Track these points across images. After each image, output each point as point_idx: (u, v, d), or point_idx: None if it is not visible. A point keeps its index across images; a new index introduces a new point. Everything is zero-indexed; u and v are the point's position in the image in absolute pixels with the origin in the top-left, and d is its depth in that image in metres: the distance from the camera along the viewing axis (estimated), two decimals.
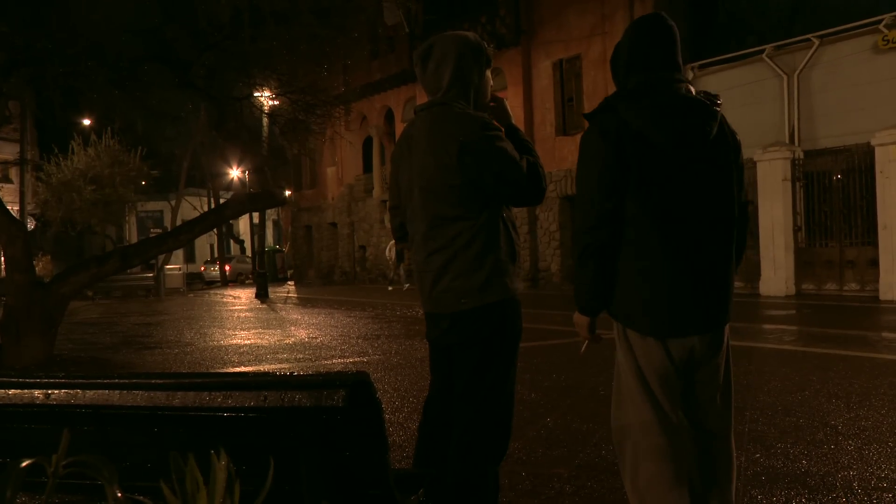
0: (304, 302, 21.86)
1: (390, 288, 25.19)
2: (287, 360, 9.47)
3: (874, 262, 15.60)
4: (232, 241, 52.28)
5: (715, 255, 2.64)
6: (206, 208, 40.87)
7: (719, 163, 2.64)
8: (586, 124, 2.73)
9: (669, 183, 2.57)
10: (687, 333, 2.64)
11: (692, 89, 2.66)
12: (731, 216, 2.67)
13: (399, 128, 28.18)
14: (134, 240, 40.75)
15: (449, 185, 2.79)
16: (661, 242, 2.58)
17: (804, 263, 16.99)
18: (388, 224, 26.76)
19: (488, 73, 3.00)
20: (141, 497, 1.48)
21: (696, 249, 2.60)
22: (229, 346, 11.26)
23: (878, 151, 15.22)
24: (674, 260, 2.59)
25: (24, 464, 1.21)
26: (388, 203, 3.18)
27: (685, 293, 2.60)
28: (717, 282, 2.65)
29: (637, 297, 2.62)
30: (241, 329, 13.94)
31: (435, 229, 2.85)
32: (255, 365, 9.19)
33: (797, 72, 17.45)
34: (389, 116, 30.23)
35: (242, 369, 8.89)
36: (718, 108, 2.64)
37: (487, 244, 2.80)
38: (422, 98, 3.09)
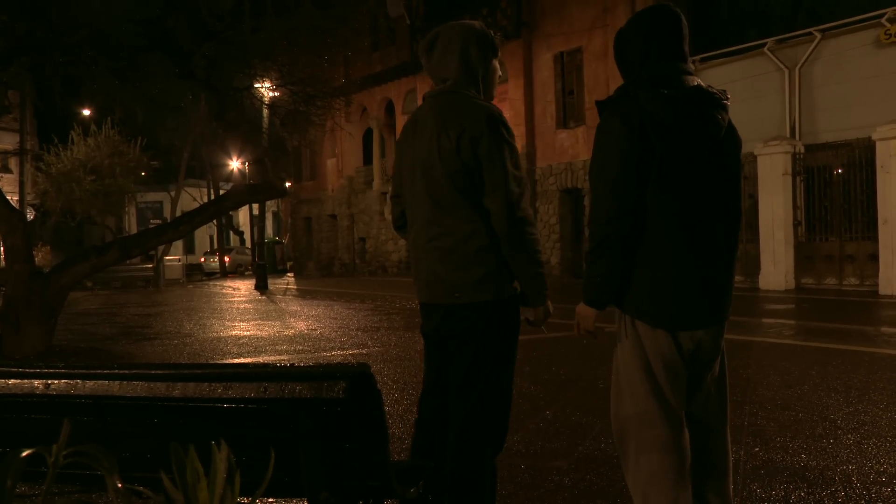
0: (303, 293, 21.87)
1: None
2: (286, 352, 9.47)
3: (874, 257, 15.59)
4: (231, 233, 52.22)
5: (724, 248, 2.65)
6: (205, 199, 40.83)
7: (729, 156, 2.66)
8: (593, 115, 2.70)
9: (687, 175, 2.56)
10: (697, 326, 2.64)
11: (701, 82, 2.66)
12: (739, 210, 2.70)
13: (400, 120, 28.14)
14: (133, 230, 40.73)
15: (448, 171, 2.76)
16: (675, 235, 2.57)
17: (804, 258, 16.99)
18: (387, 216, 26.75)
19: (495, 62, 2.97)
20: (141, 487, 1.47)
21: (709, 243, 2.60)
22: (229, 337, 11.26)
23: (878, 146, 15.21)
24: (687, 253, 2.58)
25: (24, 454, 1.21)
26: (390, 192, 3.15)
27: (697, 286, 2.60)
28: (725, 275, 2.67)
29: (648, 290, 2.60)
30: (240, 320, 13.94)
31: (436, 215, 2.82)
32: (255, 356, 9.20)
33: (799, 66, 17.42)
34: (390, 108, 30.18)
35: (242, 360, 8.90)
36: (727, 103, 2.66)
37: (488, 241, 2.78)
38: (423, 90, 3.11)
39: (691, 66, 2.68)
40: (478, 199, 2.77)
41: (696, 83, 2.61)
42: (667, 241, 2.57)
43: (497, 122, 2.77)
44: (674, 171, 2.54)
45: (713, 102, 2.60)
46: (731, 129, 2.67)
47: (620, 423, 2.71)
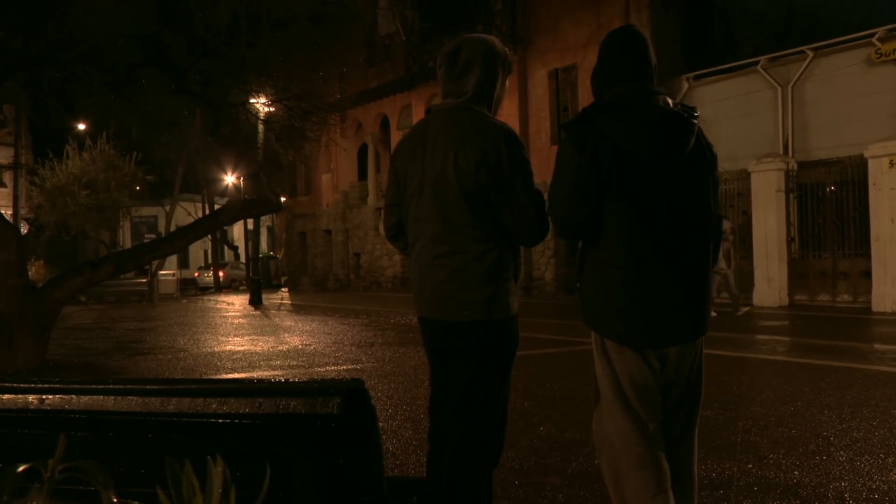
0: (297, 309, 21.83)
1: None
2: (281, 367, 9.45)
3: (867, 274, 15.64)
4: (226, 247, 52.23)
5: (691, 265, 2.65)
6: (200, 214, 40.86)
7: (695, 175, 2.66)
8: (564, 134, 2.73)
9: (646, 194, 2.58)
10: (664, 345, 2.65)
11: (669, 101, 2.66)
12: (708, 227, 2.68)
13: (395, 135, 28.16)
14: (128, 245, 40.69)
15: (464, 191, 2.74)
16: (638, 254, 2.59)
17: (797, 274, 17.03)
18: (381, 231, 26.73)
19: (507, 81, 3.00)
20: (136, 503, 1.48)
21: (672, 260, 2.61)
22: (223, 352, 11.23)
23: (871, 164, 15.29)
24: (650, 271, 2.60)
25: (20, 469, 1.22)
26: (385, 200, 3.11)
27: (661, 304, 2.61)
28: (693, 292, 2.65)
29: (613, 309, 2.64)
30: (234, 335, 13.91)
31: (446, 233, 2.79)
32: (249, 371, 9.17)
33: (791, 83, 17.54)
34: (385, 124, 30.24)
35: (236, 376, 8.87)
36: (695, 121, 2.65)
37: (499, 260, 2.78)
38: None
39: (656, 86, 2.68)
40: (491, 219, 2.76)
41: (659, 103, 2.62)
42: (628, 259, 2.60)
43: (516, 143, 2.77)
44: (631, 191, 2.57)
45: (675, 122, 2.61)
46: (700, 147, 2.67)
47: (600, 441, 2.75)
